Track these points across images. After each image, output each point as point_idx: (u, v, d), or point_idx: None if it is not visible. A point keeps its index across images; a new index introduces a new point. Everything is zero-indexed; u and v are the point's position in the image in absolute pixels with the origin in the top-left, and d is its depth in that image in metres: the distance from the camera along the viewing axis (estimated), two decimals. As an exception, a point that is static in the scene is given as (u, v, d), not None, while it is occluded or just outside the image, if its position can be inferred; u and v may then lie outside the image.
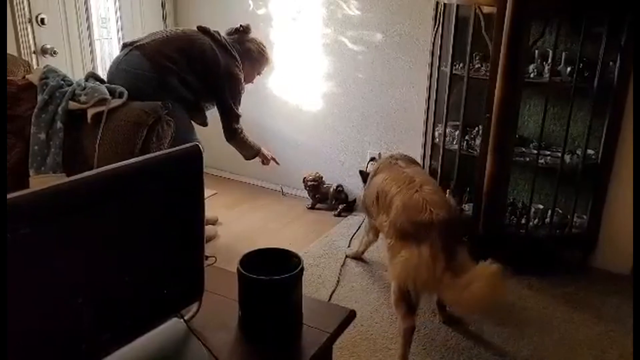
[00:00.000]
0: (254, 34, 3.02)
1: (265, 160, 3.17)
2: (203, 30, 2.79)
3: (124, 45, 2.72)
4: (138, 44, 2.64)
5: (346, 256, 2.85)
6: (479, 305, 1.94)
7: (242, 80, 2.85)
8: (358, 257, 2.83)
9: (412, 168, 2.40)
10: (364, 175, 2.74)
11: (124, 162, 0.99)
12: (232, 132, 2.89)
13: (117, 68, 2.65)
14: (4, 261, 0.77)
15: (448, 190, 2.83)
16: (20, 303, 0.84)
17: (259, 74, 3.05)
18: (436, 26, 2.77)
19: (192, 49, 2.67)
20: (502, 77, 2.48)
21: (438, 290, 2.03)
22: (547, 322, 2.35)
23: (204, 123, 2.91)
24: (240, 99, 2.86)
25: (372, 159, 3.20)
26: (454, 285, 1.90)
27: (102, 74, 2.93)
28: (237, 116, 2.87)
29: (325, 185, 3.46)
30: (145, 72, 2.57)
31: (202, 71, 2.70)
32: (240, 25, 2.93)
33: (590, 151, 2.64)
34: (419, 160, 3.01)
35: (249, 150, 3.03)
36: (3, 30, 2.54)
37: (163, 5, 3.63)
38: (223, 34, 2.86)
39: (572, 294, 2.57)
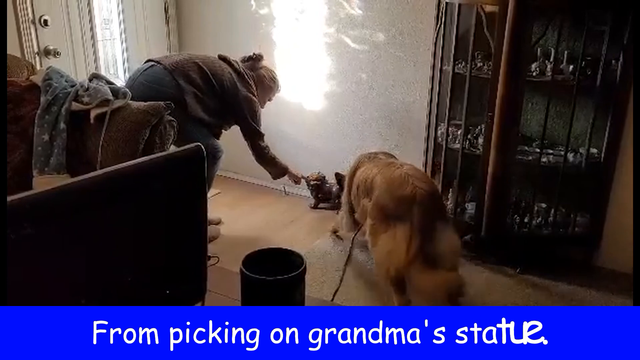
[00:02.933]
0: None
1: (296, 179, 3.35)
2: (223, 58, 2.98)
3: (147, 61, 2.85)
4: (162, 62, 2.77)
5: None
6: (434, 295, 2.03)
7: (258, 103, 3.02)
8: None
9: (392, 159, 2.55)
10: (339, 178, 2.89)
11: (127, 162, 0.99)
12: (260, 150, 3.06)
13: (136, 81, 2.75)
14: (4, 261, 0.78)
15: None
16: (22, 303, 0.84)
17: (269, 99, 3.22)
18: (438, 25, 2.76)
19: (213, 73, 2.83)
20: (505, 75, 2.47)
21: (408, 273, 2.09)
22: (551, 321, 2.34)
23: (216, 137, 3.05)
24: (259, 120, 3.02)
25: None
26: (421, 272, 2.02)
27: (105, 74, 2.94)
28: (261, 134, 3.04)
29: (327, 185, 3.46)
30: (164, 87, 2.68)
31: (220, 95, 2.85)
32: (254, 53, 3.11)
33: (593, 150, 2.63)
34: (420, 158, 3.03)
35: (277, 169, 3.19)
36: (3, 30, 2.54)
37: (166, 7, 3.64)
38: (239, 61, 3.03)
39: (576, 293, 2.56)
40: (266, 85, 3.11)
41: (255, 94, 3.00)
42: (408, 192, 2.09)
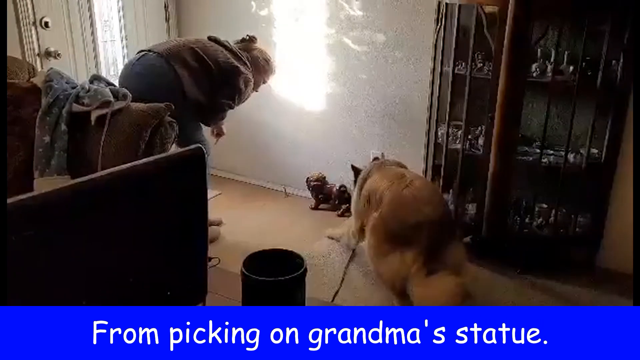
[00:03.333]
0: (257, 36, 3.10)
1: (220, 132, 3.17)
2: (214, 39, 2.92)
3: (139, 52, 2.81)
4: (154, 49, 2.74)
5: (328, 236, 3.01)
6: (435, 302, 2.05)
7: (252, 84, 2.97)
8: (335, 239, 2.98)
9: (403, 169, 2.53)
10: (356, 171, 2.80)
11: (128, 164, 1.00)
12: (215, 122, 3.00)
13: (132, 71, 2.72)
14: (4, 262, 0.78)
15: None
16: (24, 304, 0.84)
17: (264, 82, 3.15)
18: (438, 26, 2.77)
19: (207, 54, 2.78)
20: (505, 76, 2.48)
21: (410, 285, 2.15)
22: (552, 322, 2.34)
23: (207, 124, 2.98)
24: (243, 99, 2.96)
25: (376, 159, 3.20)
26: (421, 280, 2.07)
27: (106, 76, 2.94)
28: (231, 108, 2.95)
29: (328, 186, 3.47)
30: (161, 74, 2.64)
31: (217, 73, 2.79)
32: (247, 35, 3.06)
33: (593, 150, 2.63)
34: (420, 160, 3.03)
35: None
36: (3, 31, 2.54)
37: (166, 7, 3.65)
38: (232, 42, 2.97)
39: (577, 294, 2.56)
40: (260, 66, 3.05)
41: (252, 74, 2.96)
42: (414, 220, 2.11)
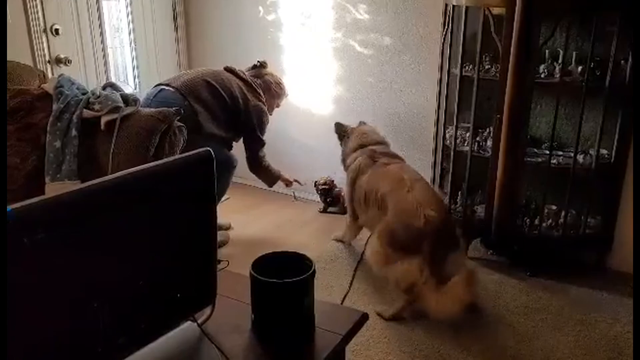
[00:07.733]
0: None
1: (288, 183, 3.35)
2: (229, 70, 3.00)
3: (157, 86, 2.87)
4: (171, 84, 2.80)
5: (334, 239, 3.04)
6: (451, 311, 2.08)
7: (267, 112, 3.05)
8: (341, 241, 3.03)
9: (395, 164, 2.56)
10: (340, 130, 2.94)
11: (137, 167, 1.01)
12: (259, 159, 3.08)
13: (150, 108, 2.73)
14: (4, 266, 0.79)
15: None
16: (36, 307, 0.85)
17: (277, 106, 3.24)
18: (445, 28, 2.76)
19: (222, 87, 2.86)
20: (513, 77, 2.47)
21: (420, 294, 2.18)
22: (563, 324, 2.33)
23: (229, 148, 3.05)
24: (265, 130, 3.05)
25: (362, 122, 3.05)
26: (433, 291, 2.10)
27: (116, 81, 2.97)
28: (263, 144, 3.06)
29: (336, 189, 3.47)
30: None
31: (231, 107, 2.87)
32: (258, 61, 3.15)
33: (603, 151, 2.62)
34: (428, 162, 3.03)
35: (271, 176, 3.20)
36: (3, 32, 2.56)
37: (174, 14, 3.68)
38: (245, 71, 3.06)
39: (588, 295, 2.54)
40: (273, 91, 3.14)
41: (265, 102, 3.03)
42: (418, 224, 2.16)
